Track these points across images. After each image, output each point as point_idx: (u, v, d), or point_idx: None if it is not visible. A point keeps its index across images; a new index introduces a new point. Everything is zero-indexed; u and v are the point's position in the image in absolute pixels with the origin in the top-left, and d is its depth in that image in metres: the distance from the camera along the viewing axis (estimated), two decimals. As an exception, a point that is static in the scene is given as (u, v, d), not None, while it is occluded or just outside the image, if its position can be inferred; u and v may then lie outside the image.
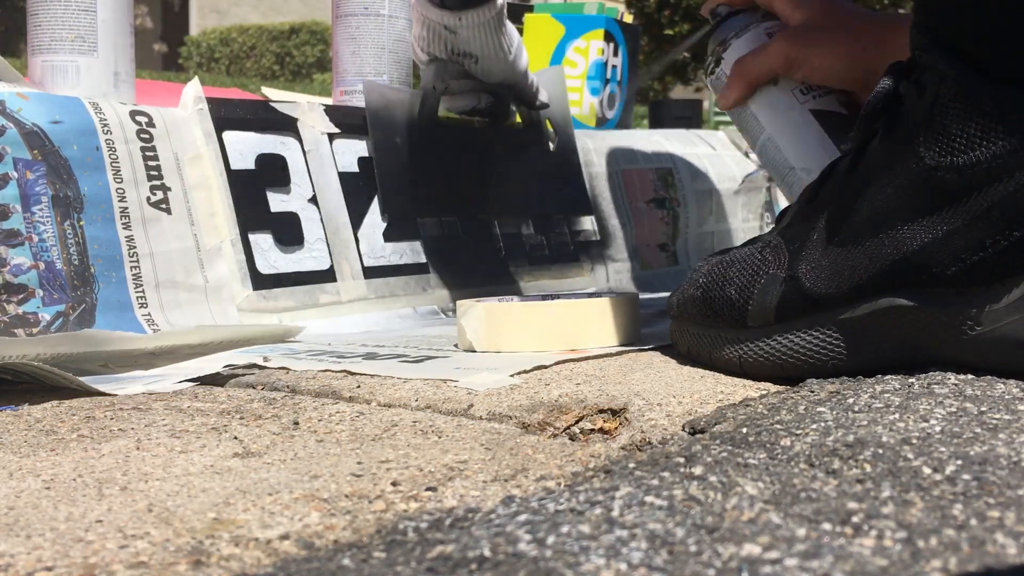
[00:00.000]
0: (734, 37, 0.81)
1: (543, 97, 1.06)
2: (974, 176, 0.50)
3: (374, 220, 0.92)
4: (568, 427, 0.50)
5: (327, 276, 0.87)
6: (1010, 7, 0.49)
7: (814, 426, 0.43)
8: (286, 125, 0.88)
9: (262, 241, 0.83)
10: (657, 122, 1.72)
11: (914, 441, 0.39)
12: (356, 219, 0.91)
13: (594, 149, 1.17)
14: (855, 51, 0.76)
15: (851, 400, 0.47)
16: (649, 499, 0.35)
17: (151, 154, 0.77)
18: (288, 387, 0.61)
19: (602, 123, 1.36)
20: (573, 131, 1.12)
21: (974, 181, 0.50)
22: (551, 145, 1.10)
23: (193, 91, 0.83)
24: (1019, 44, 0.50)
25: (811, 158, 0.77)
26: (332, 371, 0.63)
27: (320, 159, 0.89)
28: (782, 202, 1.41)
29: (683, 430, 0.49)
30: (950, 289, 0.51)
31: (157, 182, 0.77)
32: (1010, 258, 0.49)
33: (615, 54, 1.38)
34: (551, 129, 1.11)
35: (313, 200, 0.88)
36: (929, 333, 0.53)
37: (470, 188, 1.00)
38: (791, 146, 0.78)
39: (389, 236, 0.93)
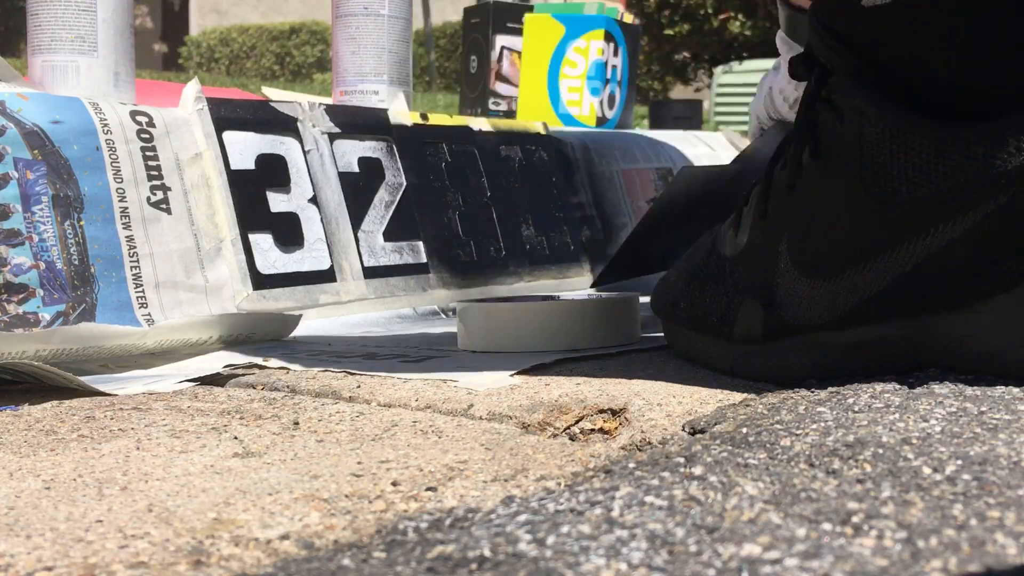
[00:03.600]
0: None
1: None
2: (927, 213, 0.46)
3: (374, 220, 0.92)
4: (568, 427, 0.50)
5: (327, 276, 0.87)
6: (950, 29, 0.45)
7: (814, 426, 0.43)
8: (286, 125, 0.88)
9: (262, 241, 0.83)
10: (657, 122, 1.72)
11: (914, 441, 0.39)
12: (356, 219, 0.91)
13: (594, 149, 1.17)
14: None
15: (851, 400, 0.47)
16: (649, 499, 0.35)
17: (151, 154, 0.77)
18: (288, 387, 0.61)
19: (602, 123, 1.36)
20: None
21: (929, 217, 0.47)
22: None
23: (193, 91, 0.83)
24: (957, 73, 0.46)
25: None
26: (332, 371, 0.63)
27: (320, 159, 0.89)
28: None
29: (683, 430, 0.49)
30: (932, 315, 0.49)
31: (157, 182, 0.77)
32: (986, 283, 0.47)
33: (615, 54, 1.38)
34: None
35: (313, 200, 0.88)
36: (918, 356, 0.51)
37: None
38: None
39: (389, 236, 0.93)
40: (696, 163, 1.30)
